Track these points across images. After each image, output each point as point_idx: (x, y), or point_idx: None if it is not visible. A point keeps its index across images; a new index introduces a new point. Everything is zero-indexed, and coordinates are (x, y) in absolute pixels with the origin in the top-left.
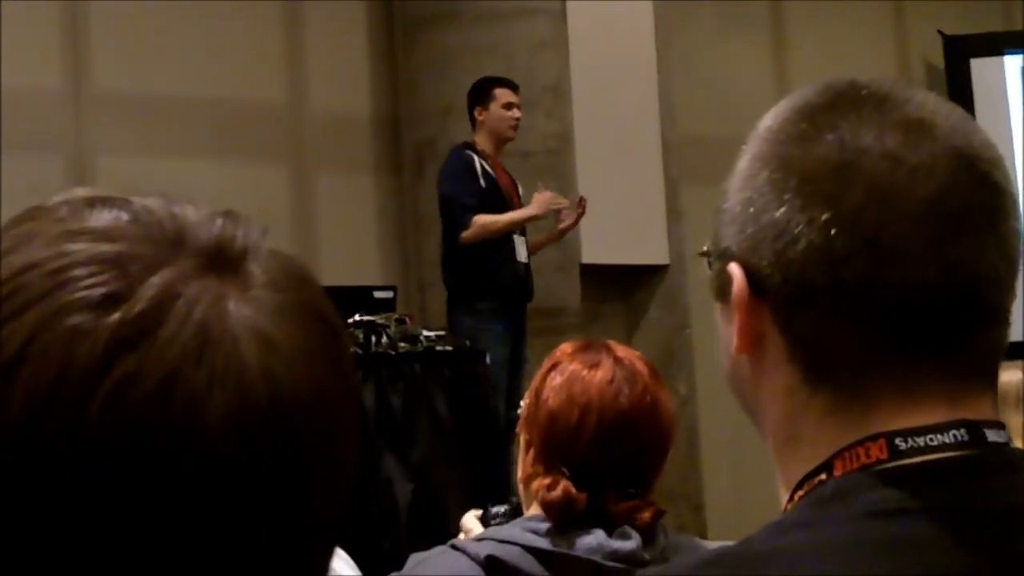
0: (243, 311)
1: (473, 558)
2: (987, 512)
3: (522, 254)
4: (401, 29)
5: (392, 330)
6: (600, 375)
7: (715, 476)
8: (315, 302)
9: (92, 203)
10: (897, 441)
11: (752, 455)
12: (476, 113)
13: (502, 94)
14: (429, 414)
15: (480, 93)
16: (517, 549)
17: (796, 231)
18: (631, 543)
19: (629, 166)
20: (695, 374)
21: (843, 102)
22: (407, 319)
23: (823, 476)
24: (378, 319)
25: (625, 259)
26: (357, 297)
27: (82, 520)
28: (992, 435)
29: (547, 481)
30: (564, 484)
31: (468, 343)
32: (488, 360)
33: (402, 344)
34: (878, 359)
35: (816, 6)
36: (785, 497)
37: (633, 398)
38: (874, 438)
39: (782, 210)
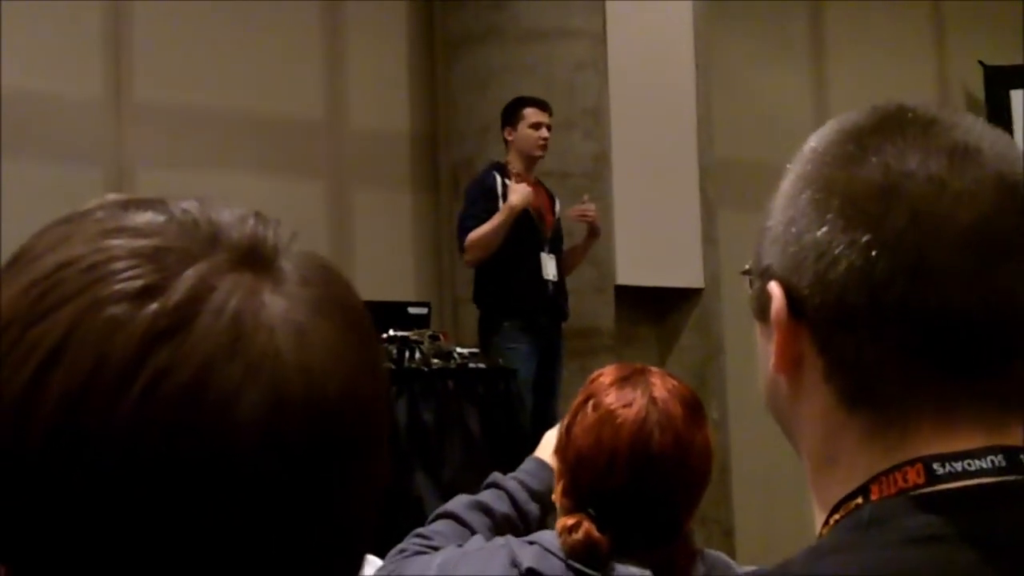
0: (276, 305)
1: (515, 564)
2: (1022, 539)
3: (550, 272)
4: (441, 47)
5: (426, 346)
6: (632, 417)
7: (746, 501)
8: (347, 300)
9: (127, 205)
10: (935, 466)
11: (783, 481)
12: (506, 133)
13: (530, 114)
14: (461, 431)
15: (509, 113)
16: (560, 565)
17: (837, 252)
18: None
19: (666, 189)
20: (728, 399)
21: (889, 125)
22: (441, 336)
23: (859, 500)
24: (412, 335)
25: (660, 281)
26: (392, 313)
27: (114, 511)
28: None
29: (570, 522)
30: (586, 526)
31: (500, 360)
32: (516, 379)
33: (435, 360)
34: (917, 384)
35: (857, 32)
36: (820, 520)
37: (664, 445)
38: (912, 463)
39: (823, 230)
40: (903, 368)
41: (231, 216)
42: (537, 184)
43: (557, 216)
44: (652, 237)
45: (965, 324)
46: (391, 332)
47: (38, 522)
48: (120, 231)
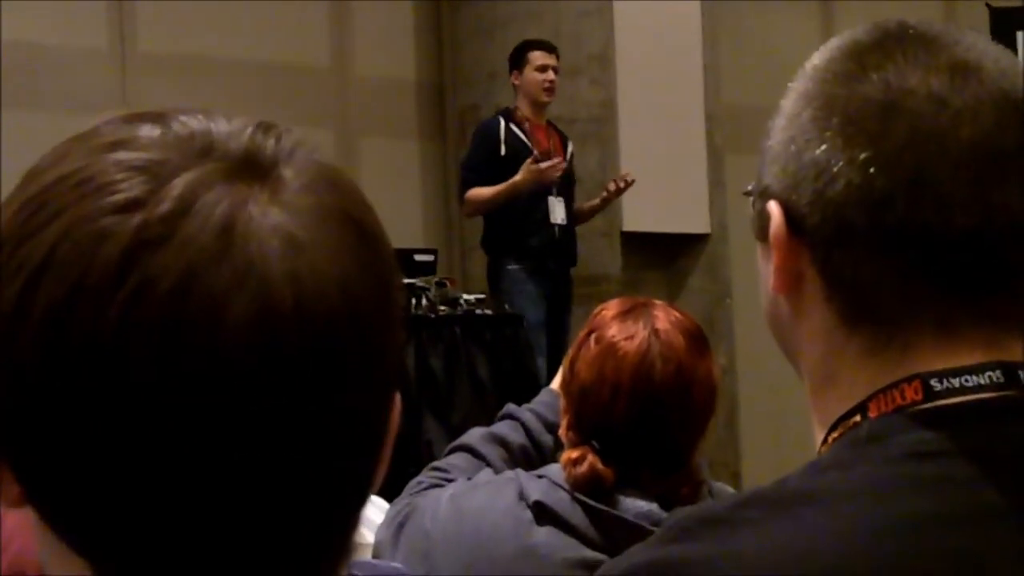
0: (269, 214)
1: (523, 498)
2: (1022, 452)
3: (558, 216)
4: None
5: (433, 293)
6: (634, 349)
7: (753, 445)
8: (351, 207)
9: (131, 119)
10: (933, 382)
11: (791, 425)
12: (512, 78)
13: (535, 57)
14: (470, 377)
15: (515, 57)
16: (567, 498)
17: (835, 170)
18: None
19: (673, 135)
20: (735, 344)
21: (891, 42)
22: (447, 283)
23: (858, 418)
24: (418, 282)
25: (667, 227)
26: (398, 260)
27: (103, 417)
28: None
29: (575, 455)
30: (591, 459)
31: (507, 306)
32: (524, 324)
33: (442, 307)
34: (916, 300)
35: None
36: (820, 438)
37: (666, 375)
38: (910, 379)
39: (823, 148)
40: (902, 286)
41: (228, 127)
42: (548, 126)
43: (569, 158)
44: (659, 183)
45: (964, 241)
46: None
47: (35, 427)
48: (116, 145)
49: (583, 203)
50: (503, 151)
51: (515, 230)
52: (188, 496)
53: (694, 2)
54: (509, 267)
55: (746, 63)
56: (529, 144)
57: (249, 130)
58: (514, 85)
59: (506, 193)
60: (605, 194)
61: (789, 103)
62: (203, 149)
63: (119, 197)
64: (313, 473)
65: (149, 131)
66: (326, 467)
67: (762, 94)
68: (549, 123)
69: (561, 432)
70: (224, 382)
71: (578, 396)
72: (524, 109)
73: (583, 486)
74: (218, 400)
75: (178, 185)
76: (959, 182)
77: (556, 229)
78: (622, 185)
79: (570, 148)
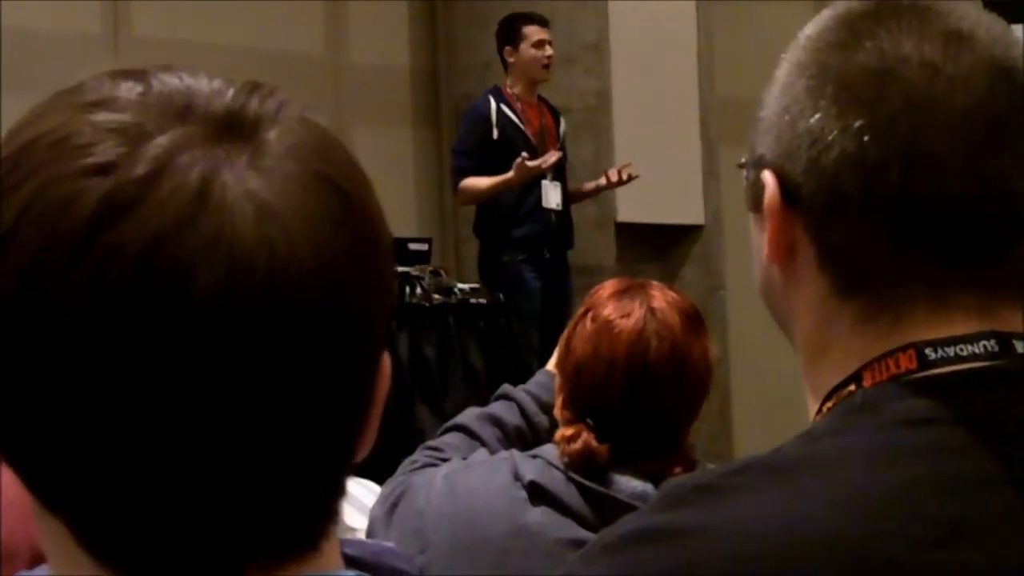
0: (245, 179)
1: (517, 478)
2: (1016, 420)
3: (552, 200)
4: None
5: (427, 282)
6: (629, 327)
7: (747, 436)
8: (334, 172)
9: (114, 76)
10: (927, 351)
11: (784, 415)
12: (505, 54)
13: (532, 32)
14: (463, 366)
15: (508, 32)
16: (562, 477)
17: (830, 138)
18: None
19: (667, 125)
20: (729, 334)
21: (884, 11)
22: (442, 272)
23: (852, 387)
24: (412, 271)
25: (661, 218)
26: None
27: (71, 387)
28: (1022, 347)
29: (569, 432)
30: (585, 436)
31: (501, 296)
32: (520, 312)
33: (436, 296)
34: (909, 269)
35: None
36: (814, 408)
37: (661, 354)
38: (904, 348)
39: (817, 117)
40: (896, 254)
41: (210, 86)
42: (540, 102)
43: (562, 138)
44: (653, 173)
45: (958, 209)
46: None
47: (5, 392)
48: (95, 105)
49: (579, 185)
50: (495, 135)
51: (508, 218)
52: (165, 463)
53: None
54: (504, 258)
55: (741, 54)
56: (521, 126)
57: (232, 90)
58: (506, 61)
59: (499, 188)
60: (604, 181)
61: (783, 73)
62: (183, 110)
63: (92, 160)
64: (290, 440)
65: (129, 90)
66: (303, 433)
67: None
68: (541, 99)
69: (556, 411)
70: (194, 349)
71: (573, 373)
72: (516, 87)
73: (577, 463)
74: (189, 366)
75: (153, 148)
76: (952, 150)
77: (552, 215)
78: (624, 178)
79: (563, 126)
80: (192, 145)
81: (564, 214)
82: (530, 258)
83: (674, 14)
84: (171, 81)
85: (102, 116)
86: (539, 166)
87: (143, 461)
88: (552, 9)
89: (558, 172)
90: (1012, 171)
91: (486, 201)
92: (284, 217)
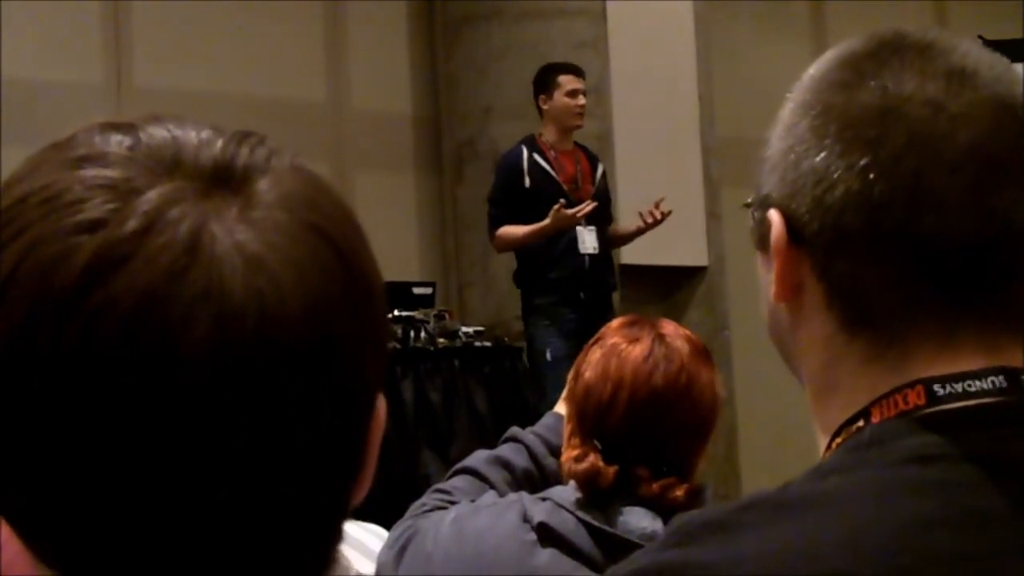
0: (235, 231)
1: (527, 520)
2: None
3: (588, 245)
4: (442, 28)
5: (431, 326)
6: (638, 351)
7: (754, 477)
8: (325, 222)
9: (104, 129)
10: (935, 387)
11: (791, 455)
12: (540, 102)
13: (566, 81)
14: (468, 410)
15: (543, 80)
16: (572, 519)
17: (835, 177)
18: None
19: (669, 167)
20: (734, 376)
21: (887, 50)
22: (447, 314)
23: (860, 423)
24: (417, 314)
25: (665, 260)
26: (396, 293)
27: (64, 444)
28: None
29: (575, 453)
30: (592, 457)
31: (506, 339)
32: (548, 357)
33: (441, 340)
34: (916, 306)
35: (857, 7)
36: (823, 445)
37: (668, 376)
38: (912, 385)
39: (822, 156)
40: (902, 290)
41: (199, 138)
42: (577, 149)
43: (598, 183)
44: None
45: (963, 246)
46: (396, 312)
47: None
48: (84, 160)
49: (616, 228)
50: (527, 183)
51: (540, 263)
52: (157, 514)
53: (688, 34)
54: (536, 302)
55: (741, 95)
56: (553, 173)
57: (221, 141)
58: (541, 109)
59: (535, 235)
60: (640, 224)
61: (787, 112)
62: (171, 163)
63: (83, 217)
64: (282, 489)
65: (118, 144)
66: (295, 481)
67: (758, 126)
68: (577, 145)
69: (563, 445)
70: (185, 403)
71: (582, 396)
72: (550, 135)
73: (583, 484)
74: (180, 420)
75: (142, 204)
76: (957, 186)
77: (586, 259)
78: (659, 216)
79: (600, 169)
80: (181, 199)
81: (601, 257)
82: (563, 301)
83: (674, 56)
84: (159, 133)
85: (92, 172)
86: (575, 215)
87: (134, 510)
88: (553, 53)
89: (594, 217)
90: (1016, 208)
91: (522, 248)
92: (273, 269)
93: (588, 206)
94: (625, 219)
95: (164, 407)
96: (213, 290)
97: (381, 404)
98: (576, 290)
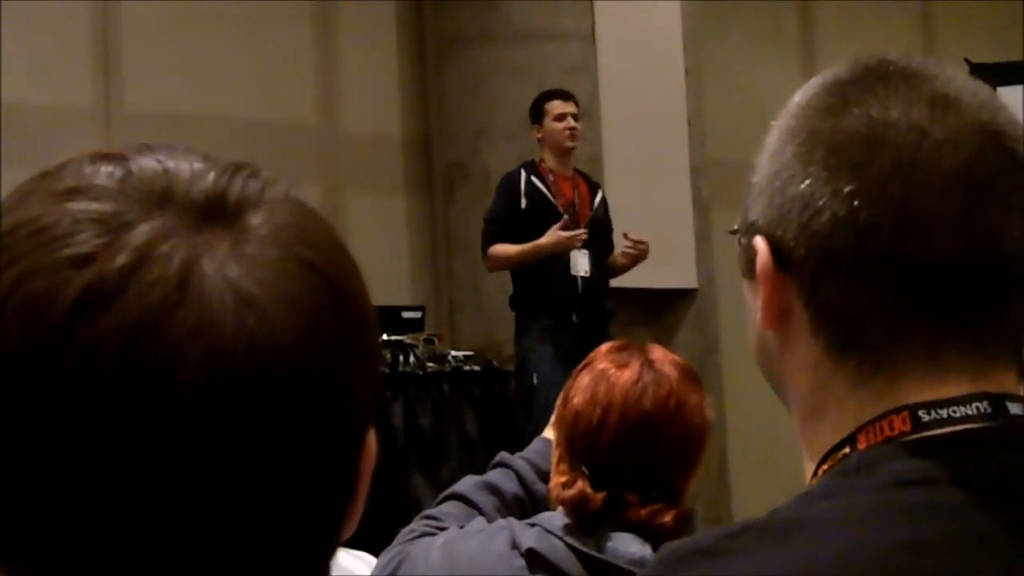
0: (226, 267)
1: (516, 546)
2: (1009, 480)
3: (580, 268)
4: (432, 49)
5: (420, 350)
6: (627, 376)
7: (745, 499)
8: (317, 258)
9: (94, 160)
10: (920, 413)
11: (781, 477)
12: (535, 131)
13: (552, 107)
14: (458, 433)
15: (535, 110)
16: (561, 545)
17: (821, 203)
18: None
19: (659, 189)
20: (725, 397)
21: (871, 77)
22: (436, 339)
23: (847, 450)
24: (406, 339)
25: (654, 283)
26: (385, 317)
27: (51, 481)
28: (1015, 408)
29: (564, 479)
30: (580, 483)
31: (495, 362)
32: (535, 381)
33: (430, 364)
34: (902, 330)
35: (846, 30)
36: (810, 470)
37: (657, 400)
38: (898, 411)
39: (807, 182)
40: (889, 315)
41: (191, 170)
42: (576, 175)
43: (596, 208)
44: (646, 238)
45: (949, 270)
46: (385, 337)
47: None
48: (74, 192)
49: (615, 258)
50: (523, 203)
51: (533, 287)
52: (147, 551)
53: (678, 56)
54: (528, 325)
55: (730, 116)
56: (550, 196)
57: (213, 173)
58: (538, 139)
59: (529, 254)
60: (625, 261)
61: (773, 139)
62: (162, 197)
63: (72, 251)
64: (272, 524)
65: (108, 177)
66: (285, 516)
67: (747, 147)
68: (577, 172)
69: (552, 465)
70: (174, 440)
71: (571, 422)
72: (549, 160)
73: (571, 510)
74: (170, 457)
75: (133, 239)
76: (943, 210)
77: (579, 282)
78: (634, 252)
79: (599, 196)
80: (172, 234)
81: (596, 282)
82: (557, 325)
83: (664, 77)
84: (150, 165)
85: (81, 205)
86: (572, 238)
87: (122, 542)
88: (543, 76)
89: (589, 241)
90: (1001, 231)
91: (515, 266)
92: (264, 305)
93: (581, 233)
94: (617, 244)
95: (153, 444)
96: (203, 327)
97: (372, 438)
98: (569, 313)
